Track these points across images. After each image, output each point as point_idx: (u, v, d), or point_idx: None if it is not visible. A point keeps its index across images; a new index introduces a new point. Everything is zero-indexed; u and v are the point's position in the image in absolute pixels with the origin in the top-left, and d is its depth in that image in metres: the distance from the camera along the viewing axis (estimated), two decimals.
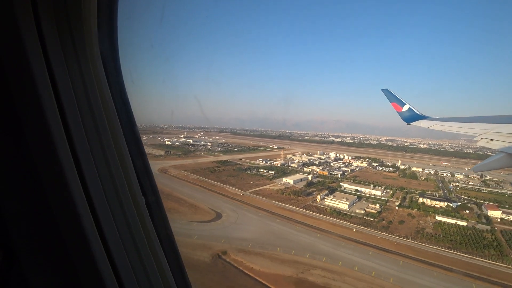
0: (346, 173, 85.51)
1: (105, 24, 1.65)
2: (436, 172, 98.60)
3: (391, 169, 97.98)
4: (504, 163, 5.33)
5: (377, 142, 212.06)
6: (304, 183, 69.94)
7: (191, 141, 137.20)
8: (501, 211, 57.19)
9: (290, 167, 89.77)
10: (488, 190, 78.21)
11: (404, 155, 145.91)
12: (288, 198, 59.20)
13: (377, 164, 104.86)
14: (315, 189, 65.76)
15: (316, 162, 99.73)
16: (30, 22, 1.23)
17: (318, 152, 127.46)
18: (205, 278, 30.58)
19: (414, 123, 13.45)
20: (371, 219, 50.29)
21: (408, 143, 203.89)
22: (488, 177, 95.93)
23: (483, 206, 60.86)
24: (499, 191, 78.46)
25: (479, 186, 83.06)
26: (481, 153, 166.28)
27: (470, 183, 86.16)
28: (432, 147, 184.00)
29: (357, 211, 53.54)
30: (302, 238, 41.96)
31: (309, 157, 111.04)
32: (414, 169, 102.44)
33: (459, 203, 61.66)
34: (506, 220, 54.69)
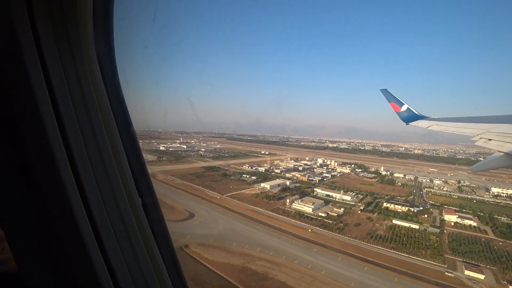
0: (325, 179, 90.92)
1: (100, 24, 1.69)
2: (416, 178, 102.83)
3: (372, 175, 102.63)
4: (501, 163, 5.49)
5: (372, 148, 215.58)
6: (280, 188, 75.62)
7: (185, 146, 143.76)
8: (457, 216, 61.86)
9: (273, 173, 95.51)
10: (458, 196, 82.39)
11: (394, 160, 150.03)
12: (261, 202, 65.12)
13: (360, 170, 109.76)
14: (288, 193, 71.44)
15: (301, 168, 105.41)
16: (26, 22, 1.23)
17: (307, 158, 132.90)
18: None
19: (412, 123, 13.75)
20: (330, 222, 55.78)
21: (403, 149, 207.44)
22: (466, 183, 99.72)
23: (443, 211, 65.56)
24: (469, 196, 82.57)
25: (452, 192, 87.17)
26: (473, 159, 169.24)
27: (444, 189, 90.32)
28: (426, 153, 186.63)
29: (320, 214, 59.02)
30: (259, 236, 47.92)
31: (296, 163, 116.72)
32: (396, 175, 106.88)
33: (421, 208, 66.44)
34: (459, 223, 59.34)
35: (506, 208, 74.42)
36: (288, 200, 64.68)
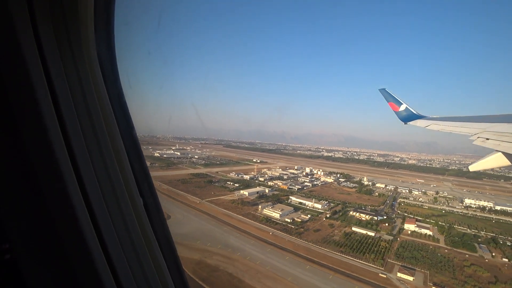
0: (305, 188, 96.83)
1: (102, 27, 1.70)
2: (396, 188, 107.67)
3: (353, 185, 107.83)
4: (498, 162, 5.74)
5: (367, 157, 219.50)
6: (257, 195, 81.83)
7: (179, 153, 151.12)
8: (416, 225, 66.90)
9: (256, 181, 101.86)
10: (429, 207, 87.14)
11: (383, 171, 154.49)
12: (235, 207, 71.64)
13: (343, 180, 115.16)
14: (263, 200, 77.72)
15: (285, 177, 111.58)
16: (27, 23, 1.24)
17: (296, 167, 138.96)
18: None
19: (410, 123, 13.86)
20: (292, 227, 61.80)
21: (399, 158, 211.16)
22: (445, 194, 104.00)
23: (405, 221, 70.63)
24: (440, 207, 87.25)
25: (425, 202, 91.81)
26: (464, 170, 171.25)
27: (420, 200, 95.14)
28: (420, 163, 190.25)
29: (286, 219, 65.07)
30: (224, 236, 54.44)
31: (283, 172, 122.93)
32: (377, 185, 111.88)
33: (385, 217, 71.69)
34: (416, 232, 64.38)
35: (471, 218, 79.01)
36: (260, 206, 71.00)
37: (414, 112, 14.30)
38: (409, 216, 74.60)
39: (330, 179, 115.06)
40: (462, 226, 71.03)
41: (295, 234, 58.45)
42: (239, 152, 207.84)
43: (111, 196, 1.66)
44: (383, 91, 15.88)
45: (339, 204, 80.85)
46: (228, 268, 43.00)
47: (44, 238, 1.37)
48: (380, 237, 59.93)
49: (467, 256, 54.47)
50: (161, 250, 2.02)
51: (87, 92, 1.58)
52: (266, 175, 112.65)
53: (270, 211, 68.50)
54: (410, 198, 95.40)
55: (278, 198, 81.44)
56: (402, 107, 14.73)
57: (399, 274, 45.48)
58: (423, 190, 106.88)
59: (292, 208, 71.99)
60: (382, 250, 53.77)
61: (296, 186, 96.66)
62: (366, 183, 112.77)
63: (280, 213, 66.94)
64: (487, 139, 6.58)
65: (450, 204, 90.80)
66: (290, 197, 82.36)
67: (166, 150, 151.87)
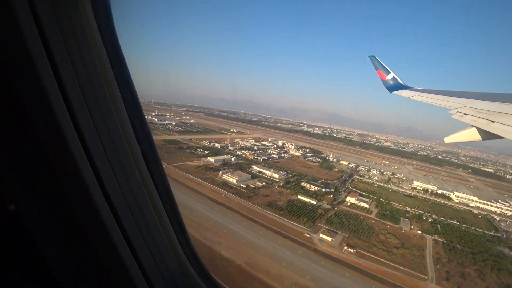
0: (270, 159, 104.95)
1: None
2: (357, 166, 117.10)
3: (318, 160, 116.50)
4: (472, 136, 5.99)
5: (344, 136, 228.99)
6: (222, 162, 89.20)
7: (156, 119, 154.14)
8: (356, 198, 76.35)
9: (226, 150, 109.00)
10: (378, 185, 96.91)
11: (355, 150, 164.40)
12: (198, 172, 79.26)
13: (311, 155, 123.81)
14: (227, 167, 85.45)
15: (255, 148, 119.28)
16: None
17: (270, 139, 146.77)
18: None
19: (396, 92, 14.04)
20: (245, 191, 70.21)
21: (375, 139, 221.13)
22: (400, 176, 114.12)
23: (349, 194, 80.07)
24: (388, 186, 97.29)
25: (378, 181, 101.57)
26: (432, 155, 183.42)
27: (374, 178, 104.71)
28: (394, 146, 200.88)
29: (241, 185, 73.27)
30: (178, 195, 62.26)
31: (255, 143, 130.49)
32: (341, 162, 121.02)
33: (332, 190, 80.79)
34: (354, 204, 73.56)
35: (411, 198, 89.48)
36: (221, 172, 78.85)
37: (401, 82, 14.70)
38: (354, 191, 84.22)
39: (298, 153, 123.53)
40: (399, 203, 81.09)
41: (245, 197, 66.94)
42: (219, 121, 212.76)
43: (109, 142, 1.67)
44: (373, 58, 16.10)
45: (296, 175, 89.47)
46: None
47: (44, 186, 1.43)
48: (320, 205, 69.10)
49: (388, 226, 64.48)
50: (160, 198, 2.10)
51: (82, 43, 1.51)
52: (238, 145, 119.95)
53: (229, 176, 76.44)
54: (366, 176, 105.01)
55: (241, 166, 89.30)
56: (390, 76, 15.07)
57: (321, 235, 54.75)
58: (382, 170, 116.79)
59: (250, 176, 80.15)
60: (316, 216, 63.02)
61: (263, 157, 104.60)
62: (331, 159, 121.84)
63: (237, 179, 74.99)
64: (465, 114, 6.84)
65: (399, 185, 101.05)
66: (252, 166, 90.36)
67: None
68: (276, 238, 51.81)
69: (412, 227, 66.37)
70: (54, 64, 1.34)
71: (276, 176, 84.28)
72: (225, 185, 72.04)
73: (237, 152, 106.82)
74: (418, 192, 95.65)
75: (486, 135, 5.70)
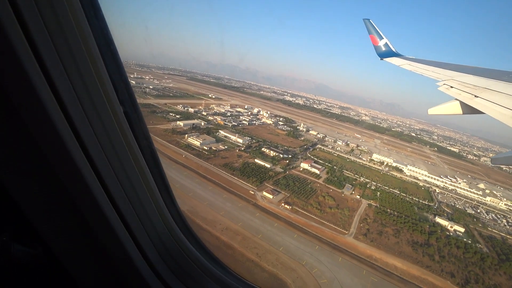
0: (240, 125, 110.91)
1: None
2: (324, 137, 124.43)
3: (288, 129, 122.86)
4: (454, 109, 6.08)
5: (324, 108, 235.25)
6: (191, 126, 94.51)
7: (134, 82, 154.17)
8: (309, 165, 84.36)
9: (199, 114, 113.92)
10: (338, 155, 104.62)
11: (330, 121, 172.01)
12: (165, 135, 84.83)
13: (282, 123, 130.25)
14: (194, 131, 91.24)
15: (228, 114, 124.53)
16: None
17: (246, 106, 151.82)
18: None
19: (386, 59, 14.06)
20: (206, 153, 76.95)
21: (355, 113, 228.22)
22: (363, 148, 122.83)
23: (304, 161, 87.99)
24: (347, 156, 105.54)
25: (340, 152, 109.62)
26: (406, 132, 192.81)
27: (337, 149, 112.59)
28: (371, 121, 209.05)
29: (204, 147, 79.74)
30: None
31: (229, 109, 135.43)
32: (311, 132, 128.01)
33: (290, 156, 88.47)
34: (306, 170, 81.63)
35: (364, 168, 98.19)
36: (187, 136, 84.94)
37: (393, 49, 14.56)
38: (312, 158, 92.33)
39: (270, 121, 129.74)
40: (351, 172, 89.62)
41: (204, 158, 73.87)
42: (200, 86, 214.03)
43: (89, 104, 1.58)
44: (367, 21, 15.67)
45: (260, 141, 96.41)
46: None
47: (24, 149, 1.38)
48: (273, 169, 76.70)
49: (331, 190, 72.82)
50: (145, 159, 2.07)
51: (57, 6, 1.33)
52: (212, 111, 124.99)
53: (194, 139, 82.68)
54: (329, 147, 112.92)
55: (209, 130, 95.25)
56: (382, 42, 14.90)
57: (264, 193, 62.64)
58: (348, 142, 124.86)
59: (214, 140, 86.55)
60: (266, 177, 70.70)
61: (233, 123, 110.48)
62: (301, 128, 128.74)
63: (201, 142, 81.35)
64: (452, 87, 6.88)
65: (359, 156, 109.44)
66: (220, 131, 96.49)
67: None
68: (222, 193, 59.60)
69: (353, 192, 74.96)
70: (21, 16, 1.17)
71: (240, 141, 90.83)
72: (188, 147, 78.44)
73: (209, 118, 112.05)
74: (374, 164, 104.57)
75: (468, 109, 5.77)
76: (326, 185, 75.65)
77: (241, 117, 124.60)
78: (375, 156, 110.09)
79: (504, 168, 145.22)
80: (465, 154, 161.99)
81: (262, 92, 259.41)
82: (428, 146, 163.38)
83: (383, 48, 14.82)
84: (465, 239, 64.23)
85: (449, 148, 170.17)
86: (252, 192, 62.35)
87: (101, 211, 1.68)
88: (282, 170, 76.80)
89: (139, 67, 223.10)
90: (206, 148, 79.42)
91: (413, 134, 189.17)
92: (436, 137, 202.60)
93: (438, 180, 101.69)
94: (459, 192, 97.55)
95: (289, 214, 57.56)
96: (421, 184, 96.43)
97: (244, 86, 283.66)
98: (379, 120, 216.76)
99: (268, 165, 77.04)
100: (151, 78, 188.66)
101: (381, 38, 14.95)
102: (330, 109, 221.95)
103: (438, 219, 71.29)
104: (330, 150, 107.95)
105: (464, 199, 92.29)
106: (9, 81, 1.20)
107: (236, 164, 74.40)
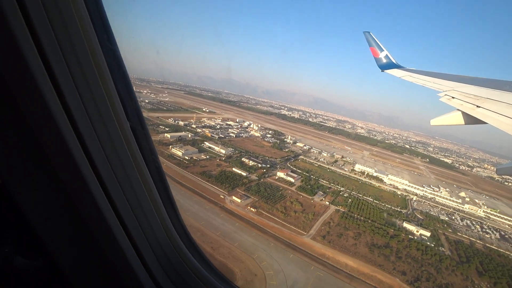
0: (227, 137, 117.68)
1: None
2: (310, 148, 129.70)
3: (274, 141, 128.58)
4: (456, 120, 6.16)
5: (319, 121, 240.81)
6: (177, 138, 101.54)
7: None
8: (285, 174, 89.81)
9: (188, 127, 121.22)
10: (319, 165, 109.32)
11: (321, 134, 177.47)
12: None
13: (270, 136, 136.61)
14: (180, 143, 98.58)
15: (217, 127, 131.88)
16: None
17: (237, 119, 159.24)
18: None
19: (387, 71, 14.44)
20: (186, 162, 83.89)
21: (350, 126, 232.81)
22: (347, 159, 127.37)
23: (281, 170, 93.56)
24: (329, 167, 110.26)
25: (322, 163, 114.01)
26: (399, 144, 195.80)
27: (320, 160, 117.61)
28: (366, 133, 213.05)
29: (186, 157, 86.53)
30: None
31: (220, 122, 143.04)
32: (297, 144, 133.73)
33: (268, 166, 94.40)
34: (281, 178, 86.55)
35: (343, 177, 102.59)
36: (171, 147, 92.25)
37: (393, 61, 14.82)
38: (291, 168, 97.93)
39: (258, 134, 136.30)
40: (328, 181, 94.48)
41: (183, 167, 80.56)
42: (196, 100, 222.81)
43: (98, 119, 1.65)
44: (367, 34, 16.04)
45: (243, 152, 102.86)
46: None
47: (33, 161, 1.43)
48: (248, 177, 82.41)
49: (301, 197, 77.62)
50: (151, 174, 2.14)
51: (63, 4, 1.40)
52: (202, 124, 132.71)
53: (177, 150, 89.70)
54: (312, 157, 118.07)
55: (194, 142, 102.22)
56: (383, 54, 15.15)
57: (233, 197, 68.55)
58: (333, 153, 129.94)
59: (197, 150, 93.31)
60: (239, 184, 76.43)
61: (220, 135, 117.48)
62: (288, 141, 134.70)
63: (183, 152, 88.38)
64: (453, 97, 7.01)
65: (341, 166, 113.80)
66: (205, 142, 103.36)
67: None
68: (193, 197, 65.91)
69: (323, 199, 79.35)
70: (31, 23, 1.24)
71: (223, 151, 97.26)
72: (170, 157, 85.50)
73: (198, 130, 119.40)
74: (355, 174, 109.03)
75: (470, 119, 5.84)
76: (298, 192, 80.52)
77: (229, 130, 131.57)
78: (357, 167, 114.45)
79: (496, 178, 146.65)
80: (457, 165, 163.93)
81: (259, 106, 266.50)
82: (419, 158, 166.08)
83: (384, 60, 15.21)
84: (428, 243, 67.77)
85: (442, 159, 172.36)
86: (222, 197, 68.31)
87: (106, 223, 1.73)
88: (257, 178, 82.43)
89: (138, 81, 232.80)
90: (187, 158, 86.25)
91: (407, 146, 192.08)
92: (431, 149, 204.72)
93: (418, 189, 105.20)
94: (437, 200, 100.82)
95: (253, 216, 63.11)
96: (399, 192, 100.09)
97: (241, 100, 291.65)
98: (374, 133, 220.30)
99: (244, 173, 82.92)
100: (148, 93, 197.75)
101: (382, 50, 15.36)
102: (325, 123, 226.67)
103: (406, 224, 74.86)
104: (312, 161, 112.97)
105: (441, 207, 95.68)
106: (24, 101, 1.27)
107: (213, 172, 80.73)
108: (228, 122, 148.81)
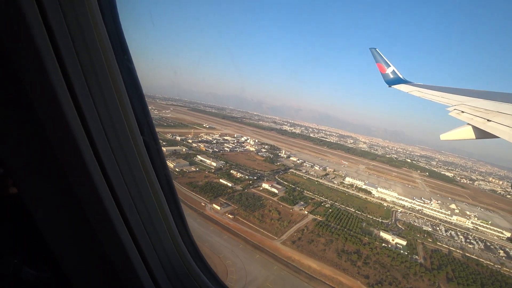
0: (221, 151, 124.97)
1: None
2: (302, 163, 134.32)
3: (268, 155, 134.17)
4: (467, 134, 6.14)
5: (321, 136, 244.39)
6: (171, 152, 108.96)
7: None
8: (270, 185, 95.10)
9: (184, 142, 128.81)
10: (308, 178, 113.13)
11: (319, 149, 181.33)
12: None
13: (265, 151, 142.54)
14: (173, 156, 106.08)
15: (214, 142, 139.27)
16: None
17: (235, 135, 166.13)
18: None
19: (395, 86, 14.43)
20: (175, 174, 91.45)
21: (352, 141, 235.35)
22: (339, 173, 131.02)
23: (266, 182, 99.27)
24: (318, 180, 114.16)
25: (313, 176, 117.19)
26: (400, 159, 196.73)
27: (310, 173, 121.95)
28: (368, 148, 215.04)
29: (176, 169, 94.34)
30: None
31: (217, 137, 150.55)
32: (291, 158, 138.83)
33: (255, 178, 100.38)
34: (265, 189, 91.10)
35: (331, 190, 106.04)
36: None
37: (400, 76, 14.95)
38: (278, 180, 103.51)
39: (253, 148, 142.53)
40: (312, 192, 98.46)
41: (173, 178, 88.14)
42: (198, 116, 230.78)
43: (113, 134, 1.75)
44: (374, 50, 16.28)
45: (233, 165, 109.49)
46: None
47: (49, 175, 1.50)
48: (233, 187, 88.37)
49: (281, 206, 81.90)
50: (162, 189, 2.21)
51: (86, 27, 1.54)
52: (199, 139, 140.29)
53: (169, 163, 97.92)
54: (303, 171, 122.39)
55: (187, 156, 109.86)
56: (390, 70, 15.34)
57: (214, 205, 74.70)
58: (325, 167, 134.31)
59: (188, 163, 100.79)
60: (222, 194, 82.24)
61: (215, 149, 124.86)
62: (282, 155, 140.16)
63: (175, 164, 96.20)
64: (463, 112, 6.97)
65: (331, 179, 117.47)
66: (198, 156, 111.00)
67: None
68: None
69: (303, 209, 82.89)
70: (56, 45, 1.35)
71: (214, 164, 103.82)
72: None
73: (193, 145, 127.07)
74: (343, 186, 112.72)
75: (481, 134, 5.82)
76: (279, 202, 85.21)
77: (225, 144, 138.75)
78: (348, 179, 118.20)
79: (498, 191, 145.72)
80: (459, 179, 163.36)
81: (261, 122, 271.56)
82: (418, 171, 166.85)
83: (391, 76, 15.30)
84: (402, 251, 70.85)
85: (443, 172, 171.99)
86: (203, 204, 74.70)
87: (117, 235, 1.78)
88: (241, 189, 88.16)
89: (148, 98, 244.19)
90: (177, 170, 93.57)
91: (408, 160, 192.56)
92: (434, 163, 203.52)
93: (406, 201, 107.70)
94: (425, 212, 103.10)
95: (229, 221, 69.07)
96: (385, 204, 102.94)
97: (244, 116, 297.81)
98: (376, 148, 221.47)
99: (230, 184, 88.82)
100: (152, 109, 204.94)
101: (388, 66, 15.50)
102: (326, 138, 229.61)
103: (382, 233, 78.27)
104: (302, 174, 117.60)
105: (427, 218, 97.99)
106: (46, 114, 1.36)
107: (200, 183, 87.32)
108: (226, 137, 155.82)
